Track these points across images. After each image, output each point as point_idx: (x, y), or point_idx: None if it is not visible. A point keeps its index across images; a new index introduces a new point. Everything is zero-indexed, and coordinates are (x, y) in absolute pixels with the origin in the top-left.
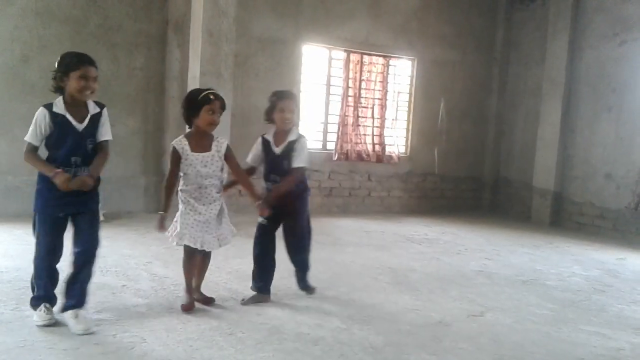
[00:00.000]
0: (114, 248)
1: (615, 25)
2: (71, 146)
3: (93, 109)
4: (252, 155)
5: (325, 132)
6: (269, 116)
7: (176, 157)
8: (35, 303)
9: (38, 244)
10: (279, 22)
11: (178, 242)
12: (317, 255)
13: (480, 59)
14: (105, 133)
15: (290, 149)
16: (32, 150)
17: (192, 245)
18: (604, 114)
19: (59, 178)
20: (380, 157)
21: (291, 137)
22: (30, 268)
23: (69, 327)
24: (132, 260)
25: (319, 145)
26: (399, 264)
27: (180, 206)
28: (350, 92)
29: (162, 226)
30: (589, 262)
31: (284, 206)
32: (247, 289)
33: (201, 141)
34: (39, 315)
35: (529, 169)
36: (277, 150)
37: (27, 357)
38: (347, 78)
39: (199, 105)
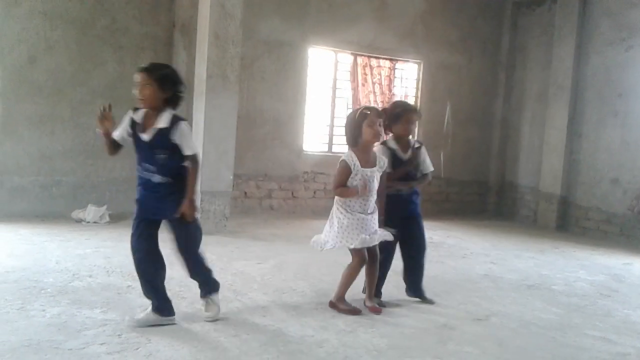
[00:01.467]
0: (119, 249)
1: (621, 31)
2: (141, 154)
3: (163, 122)
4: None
5: (331, 135)
6: (392, 126)
7: (348, 172)
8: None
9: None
10: (285, 24)
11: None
12: (321, 257)
13: (486, 63)
14: (185, 148)
15: (416, 156)
16: (110, 140)
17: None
18: (610, 119)
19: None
20: None
21: (413, 145)
22: (35, 267)
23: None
24: None
25: (325, 148)
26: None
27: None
28: (358, 95)
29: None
30: (595, 267)
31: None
32: (251, 290)
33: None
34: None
35: (535, 173)
36: (405, 157)
37: (32, 357)
38: (354, 81)
39: (359, 123)
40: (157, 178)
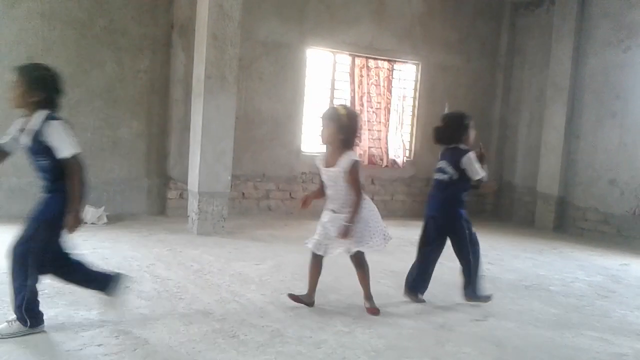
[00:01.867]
0: (117, 250)
1: (619, 32)
2: (29, 160)
3: (34, 124)
4: None
5: None
6: (461, 137)
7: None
8: None
9: None
10: (284, 26)
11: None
12: None
13: (484, 64)
14: (58, 150)
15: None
16: None
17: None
18: (608, 120)
19: None
20: (387, 162)
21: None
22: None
23: None
24: (134, 262)
25: (323, 149)
26: (402, 267)
27: None
28: (355, 96)
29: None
30: (593, 268)
31: None
32: (249, 290)
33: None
34: None
35: (533, 174)
36: None
37: (30, 359)
38: (352, 82)
39: None
40: (44, 184)
